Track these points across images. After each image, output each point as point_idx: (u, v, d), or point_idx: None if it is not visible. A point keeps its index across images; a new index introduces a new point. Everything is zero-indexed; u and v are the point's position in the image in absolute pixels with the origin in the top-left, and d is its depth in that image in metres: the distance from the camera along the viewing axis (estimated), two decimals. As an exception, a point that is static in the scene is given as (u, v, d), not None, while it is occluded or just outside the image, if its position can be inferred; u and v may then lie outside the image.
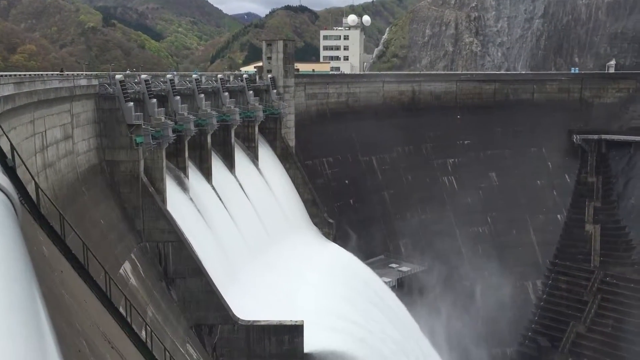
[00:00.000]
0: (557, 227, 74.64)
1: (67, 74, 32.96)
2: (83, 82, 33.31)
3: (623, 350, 61.36)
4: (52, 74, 30.62)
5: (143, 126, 36.70)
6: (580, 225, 71.79)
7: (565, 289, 69.36)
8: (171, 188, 39.97)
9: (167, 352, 21.74)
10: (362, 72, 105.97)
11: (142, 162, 36.65)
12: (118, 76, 36.53)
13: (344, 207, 71.00)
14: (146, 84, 39.21)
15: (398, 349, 46.18)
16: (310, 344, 37.95)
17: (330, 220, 61.46)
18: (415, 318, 54.79)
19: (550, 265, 71.95)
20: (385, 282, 60.91)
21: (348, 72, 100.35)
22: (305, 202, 61.33)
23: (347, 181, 72.85)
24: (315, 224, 60.85)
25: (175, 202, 39.51)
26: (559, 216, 75.89)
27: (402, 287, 65.97)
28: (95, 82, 35.02)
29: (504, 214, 76.69)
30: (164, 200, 37.77)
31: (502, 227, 76.36)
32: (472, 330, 65.14)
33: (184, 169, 42.96)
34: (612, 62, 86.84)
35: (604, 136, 75.10)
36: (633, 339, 61.19)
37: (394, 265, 69.24)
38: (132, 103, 36.41)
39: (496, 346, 69.76)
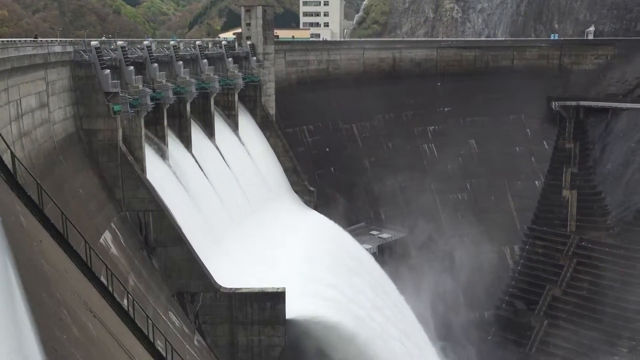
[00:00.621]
0: (534, 193, 75.69)
1: (41, 41, 32.17)
2: (57, 48, 32.60)
3: (597, 312, 63.01)
4: (25, 40, 29.87)
5: (120, 94, 36.16)
6: (557, 191, 72.85)
7: (542, 254, 70.68)
8: (150, 157, 39.64)
9: (149, 320, 21.87)
10: (342, 39, 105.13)
11: (120, 131, 36.21)
12: (93, 42, 35.78)
13: (325, 175, 71.14)
14: (123, 51, 38.48)
15: (378, 314, 46.94)
16: (292, 310, 38.38)
17: (311, 188, 61.60)
18: (396, 284, 55.57)
19: (527, 230, 73.14)
20: (366, 249, 61.51)
21: (328, 39, 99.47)
22: (286, 170, 61.29)
23: (327, 149, 72.82)
24: (296, 191, 60.97)
25: (155, 171, 39.23)
26: (536, 182, 76.88)
27: (383, 254, 66.73)
28: (70, 48, 34.28)
29: (483, 181, 77.49)
30: (143, 169, 37.48)
31: (481, 193, 77.23)
32: (451, 295, 66.38)
33: (163, 138, 42.56)
34: (591, 29, 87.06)
35: (581, 103, 75.74)
36: (607, 302, 62.84)
37: (374, 232, 69.85)
38: (108, 70, 35.77)
39: (474, 310, 71.22)
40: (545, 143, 78.39)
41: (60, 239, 20.24)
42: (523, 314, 67.75)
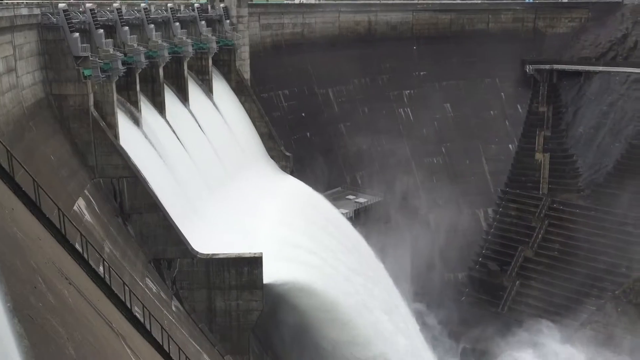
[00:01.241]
0: (508, 156, 76.63)
1: (6, 3, 31.13)
2: (24, 11, 31.58)
3: (568, 272, 64.66)
4: (-11, 3, 28.90)
5: (91, 58, 35.31)
6: (530, 154, 73.80)
7: (514, 216, 71.96)
8: (123, 123, 39.01)
9: (126, 287, 21.86)
10: (317, 2, 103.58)
11: (91, 96, 35.48)
12: (61, 5, 34.70)
13: (301, 140, 70.98)
14: (92, 14, 37.44)
15: (355, 278, 47.58)
16: (269, 274, 38.65)
17: (287, 154, 61.45)
18: (372, 247, 56.24)
19: (501, 193, 74.26)
20: (343, 214, 61.96)
21: (303, 1, 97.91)
22: (261, 135, 60.92)
23: (303, 114, 72.50)
24: (272, 157, 60.76)
25: (128, 137, 38.68)
26: (510, 146, 77.75)
27: (359, 218, 67.28)
28: (37, 11, 33.23)
29: (458, 145, 78.12)
30: (116, 135, 36.92)
31: (456, 157, 77.93)
32: (425, 257, 67.48)
33: (136, 103, 41.85)
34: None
35: (555, 66, 76.24)
36: (577, 261, 64.49)
37: (350, 196, 70.27)
38: (77, 34, 34.82)
39: (449, 271, 72.61)
40: (519, 107, 79.06)
41: (33, 206, 19.98)
42: (496, 275, 69.26)
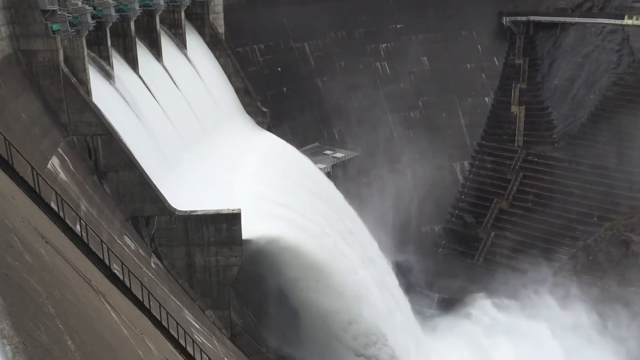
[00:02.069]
0: (484, 109, 76.96)
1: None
2: (-15, -37, 30.33)
3: (541, 222, 66.05)
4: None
5: (59, 12, 34.21)
6: (506, 107, 74.20)
7: (490, 169, 72.81)
8: (95, 79, 38.16)
9: (104, 245, 21.79)
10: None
11: (61, 52, 34.53)
12: (25, -44, 33.35)
13: (278, 96, 70.34)
14: (58, -35, 36.08)
15: (333, 232, 48.03)
16: (248, 230, 38.82)
17: (264, 109, 60.94)
18: (350, 202, 56.66)
19: (477, 146, 74.87)
20: (320, 169, 62.09)
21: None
22: (237, 91, 60.20)
23: (279, 69, 71.65)
24: (249, 113, 60.23)
25: (101, 93, 37.92)
26: (486, 99, 78.00)
27: (337, 173, 67.53)
28: (-1, -38, 31.93)
29: (435, 98, 78.15)
30: (88, 92, 36.15)
31: (432, 111, 78.06)
32: (403, 210, 68.30)
33: (108, 59, 40.88)
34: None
35: (532, 17, 75.94)
36: (550, 212, 65.81)
37: (328, 151, 70.32)
38: (43, -14, 33.62)
39: (425, 224, 73.69)
40: (495, 59, 78.97)
41: (6, 165, 19.64)
42: (472, 227, 70.49)
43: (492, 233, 69.06)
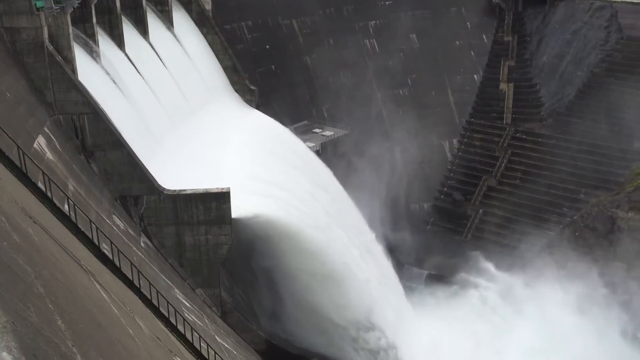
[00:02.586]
0: (473, 86, 76.86)
1: None
2: (-35, -63, 29.66)
3: (529, 199, 66.51)
4: None
5: (42, -11, 33.64)
6: (495, 85, 74.13)
7: (479, 146, 72.96)
8: (81, 57, 37.68)
9: (92, 224, 21.71)
10: None
11: (45, 29, 34.02)
12: None
13: (266, 73, 69.86)
14: (40, -60, 35.35)
15: (323, 211, 48.17)
16: (237, 209, 38.84)
17: (252, 87, 60.56)
18: (339, 180, 56.72)
19: (465, 124, 74.92)
20: (309, 147, 62.02)
21: None
22: (225, 69, 59.72)
23: (268, 46, 71.05)
24: (237, 91, 59.85)
25: (87, 72, 37.49)
26: (475, 76, 77.88)
27: (326, 151, 67.48)
28: (-20, -63, 31.25)
29: (424, 76, 77.93)
30: (74, 70, 35.72)
31: (421, 88, 77.89)
32: (392, 188, 68.50)
33: (93, 36, 40.34)
34: None
35: (521, -6, 75.53)
36: (538, 189, 66.26)
37: (317, 130, 70.21)
38: (26, -38, 32.99)
39: (415, 202, 74.01)
40: (484, 36, 78.67)
41: (-9, 145, 19.42)
42: (460, 204, 70.87)
43: (481, 210, 69.48)
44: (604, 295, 54.62)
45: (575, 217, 61.91)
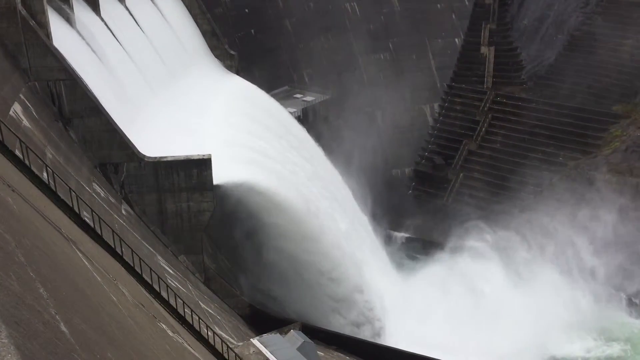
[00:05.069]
0: (454, 50, 76.61)
1: None
2: None
3: (509, 163, 67.12)
4: None
5: (12, -49, 32.58)
6: (476, 48, 73.91)
7: (459, 110, 73.09)
8: (55, 22, 36.80)
9: (72, 192, 21.54)
10: None
11: (17, -7, 33.09)
12: None
13: (246, 38, 68.93)
14: None
15: (305, 176, 48.25)
16: (219, 176, 38.75)
17: (232, 52, 59.79)
18: (320, 146, 56.69)
19: (447, 88, 74.90)
20: (290, 112, 61.73)
21: None
22: (204, 33, 58.77)
23: (247, 10, 69.98)
24: (217, 56, 59.05)
25: (62, 37, 36.66)
26: (456, 40, 77.58)
27: (307, 117, 67.26)
28: None
29: (405, 40, 77.43)
30: (48, 35, 34.90)
31: (402, 52, 77.47)
32: (374, 153, 68.65)
33: (67, 1, 39.34)
34: None
35: (502, -44, 74.78)
36: (518, 153, 66.83)
37: (298, 95, 69.80)
38: None
39: (396, 167, 74.36)
40: (465, -1, 78.19)
41: (-35, 113, 19.05)
42: (441, 168, 71.31)
43: (461, 174, 70.02)
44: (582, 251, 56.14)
45: (553, 180, 62.72)
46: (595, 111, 64.75)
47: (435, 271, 58.50)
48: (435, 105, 75.92)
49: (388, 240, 64.39)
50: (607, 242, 55.50)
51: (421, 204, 70.07)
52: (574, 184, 60.87)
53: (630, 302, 54.81)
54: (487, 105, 71.47)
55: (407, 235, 67.05)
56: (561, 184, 61.76)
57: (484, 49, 72.89)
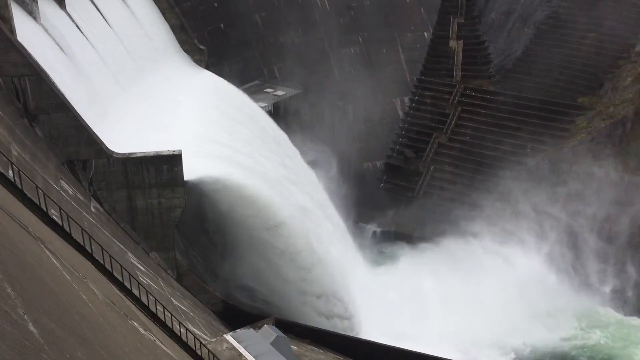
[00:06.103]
0: (423, 44, 77.18)
1: None
2: None
3: (478, 155, 68.07)
4: None
5: (-28, -57, 31.79)
6: (444, 42, 74.58)
7: (429, 104, 73.73)
8: (19, 16, 36.06)
9: (39, 190, 21.20)
10: None
11: (-22, -13, 32.33)
12: None
13: (215, 32, 68.43)
14: None
15: (275, 170, 48.22)
16: (190, 171, 38.50)
17: (202, 47, 59.33)
18: (291, 140, 56.67)
19: (416, 81, 75.46)
20: (261, 107, 61.54)
21: None
22: (172, 28, 58.17)
23: (216, 4, 69.42)
24: (186, 51, 58.53)
25: (26, 31, 35.95)
26: (425, 33, 78.15)
27: (278, 111, 67.13)
28: None
29: (375, 34, 77.72)
30: (12, 30, 34.17)
31: (372, 47, 77.75)
32: (345, 147, 68.91)
33: (31, -6, 38.54)
34: None
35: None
36: (487, 145, 67.82)
37: (269, 89, 69.59)
38: None
39: (367, 160, 74.75)
40: (434, -7, 78.65)
41: None
42: (412, 161, 71.91)
43: (432, 167, 70.73)
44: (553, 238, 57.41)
45: (522, 171, 63.78)
46: (561, 103, 65.99)
47: (406, 262, 59.11)
48: (406, 99, 76.44)
49: (359, 233, 64.75)
50: (576, 231, 56.82)
51: (392, 196, 70.61)
52: (542, 175, 62.04)
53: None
54: (457, 98, 72.26)
55: (378, 228, 67.52)
56: (529, 175, 62.87)
57: (452, 43, 73.60)
